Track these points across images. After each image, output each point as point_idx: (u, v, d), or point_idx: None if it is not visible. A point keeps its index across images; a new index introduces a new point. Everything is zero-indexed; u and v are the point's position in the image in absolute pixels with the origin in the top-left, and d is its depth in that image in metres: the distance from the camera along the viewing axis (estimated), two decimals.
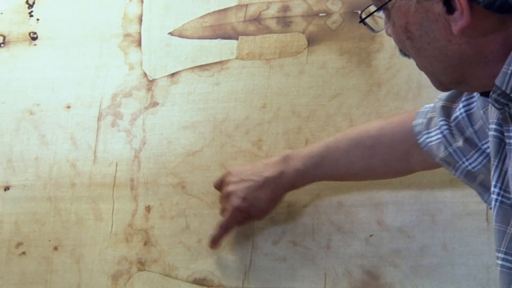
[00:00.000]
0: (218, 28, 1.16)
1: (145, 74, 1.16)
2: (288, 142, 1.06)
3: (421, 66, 0.70)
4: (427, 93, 1.01)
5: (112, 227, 1.10)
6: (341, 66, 1.08)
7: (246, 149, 1.08)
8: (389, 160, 0.90)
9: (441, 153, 0.84)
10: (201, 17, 1.17)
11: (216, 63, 1.14)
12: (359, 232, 1.00)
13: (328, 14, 1.10)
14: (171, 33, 1.18)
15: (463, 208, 0.97)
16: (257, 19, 1.13)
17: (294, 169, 0.93)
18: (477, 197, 0.91)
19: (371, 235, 1.00)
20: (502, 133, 0.69)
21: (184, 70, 1.14)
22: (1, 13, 1.25)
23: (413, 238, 0.98)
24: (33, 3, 1.24)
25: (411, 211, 0.99)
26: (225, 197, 0.97)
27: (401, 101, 1.03)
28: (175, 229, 1.07)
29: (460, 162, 0.83)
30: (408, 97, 1.04)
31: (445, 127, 0.83)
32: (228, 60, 1.13)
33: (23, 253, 1.12)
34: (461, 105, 0.81)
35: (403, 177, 0.98)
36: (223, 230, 0.99)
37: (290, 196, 1.01)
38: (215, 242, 1.00)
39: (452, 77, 0.67)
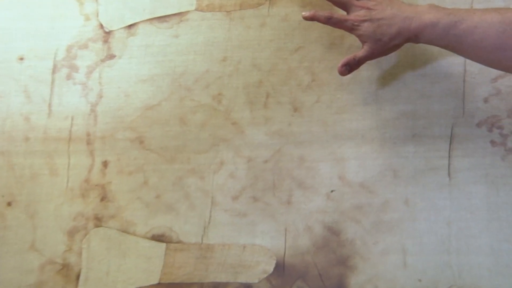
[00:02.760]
0: None
1: (101, 26, 1.11)
2: (248, 96, 1.04)
3: None
4: None
5: (68, 182, 1.06)
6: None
7: (205, 103, 1.05)
8: None
9: None
10: None
11: (175, 14, 1.09)
12: (320, 188, 0.98)
13: None
14: None
15: (426, 163, 0.96)
16: None
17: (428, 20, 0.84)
18: (439, 152, 0.93)
19: (332, 191, 0.98)
20: None
21: (142, 21, 1.10)
22: None
23: (375, 194, 0.97)
24: None
25: (373, 166, 0.98)
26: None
27: None
28: (133, 184, 1.04)
29: None
30: None
31: None
32: (187, 12, 1.09)
33: None
34: None
35: (365, 132, 0.98)
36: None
37: (250, 151, 1.00)
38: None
39: None
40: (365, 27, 0.87)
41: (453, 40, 0.81)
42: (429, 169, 0.95)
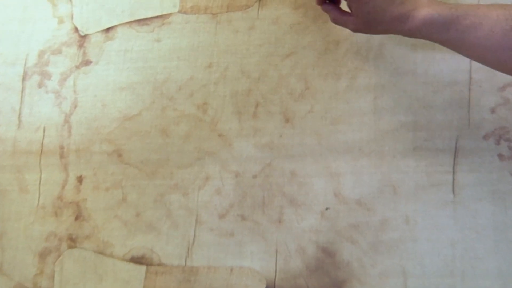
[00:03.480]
0: None
1: (76, 29, 1.07)
2: (236, 105, 1.00)
3: None
4: (390, 52, 0.97)
5: (39, 199, 1.02)
6: (296, 21, 1.02)
7: (189, 113, 1.01)
8: None
9: None
10: None
11: (156, 17, 1.06)
12: (314, 205, 0.95)
13: None
14: None
15: (428, 178, 0.93)
16: None
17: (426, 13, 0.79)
18: (443, 166, 0.90)
19: (327, 208, 0.95)
20: None
21: (120, 24, 1.07)
22: None
23: (373, 211, 0.93)
24: None
25: (370, 181, 0.94)
26: None
27: (361, 60, 0.98)
28: (110, 201, 1.00)
29: None
30: (369, 56, 0.98)
31: None
32: (170, 14, 1.05)
33: None
34: None
35: (362, 144, 0.94)
36: None
37: (238, 166, 0.97)
38: None
39: None
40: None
41: (454, 36, 0.77)
42: (432, 185, 0.92)
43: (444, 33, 0.77)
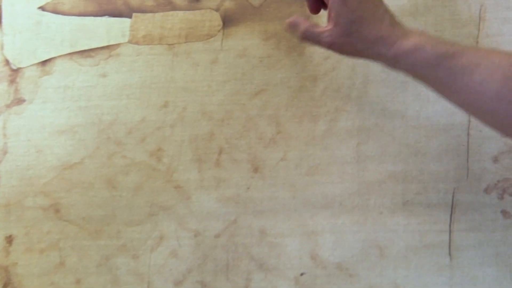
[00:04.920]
0: (105, 2, 1.03)
1: (7, 62, 1.02)
2: (196, 152, 0.95)
3: None
4: (376, 90, 0.94)
5: None
6: (266, 54, 0.97)
7: (141, 161, 0.96)
8: None
9: None
10: None
11: (102, 48, 1.01)
12: (287, 270, 0.91)
13: None
14: (42, 8, 1.04)
15: (420, 238, 0.89)
16: None
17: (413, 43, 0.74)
18: (437, 225, 0.88)
19: (302, 274, 0.91)
20: None
21: (59, 56, 1.01)
22: None
23: (356, 278, 0.90)
24: None
25: (353, 242, 0.91)
26: None
27: (342, 100, 0.94)
28: (45, 266, 0.95)
29: None
30: (352, 95, 0.95)
31: None
32: (118, 45, 1.01)
33: None
34: None
35: (343, 198, 0.91)
36: None
37: (198, 223, 0.93)
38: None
39: None
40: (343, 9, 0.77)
41: (445, 74, 0.71)
42: (425, 247, 0.89)
43: (433, 69, 0.72)
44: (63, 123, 0.99)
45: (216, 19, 1.00)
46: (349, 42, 0.77)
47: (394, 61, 0.74)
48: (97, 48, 1.01)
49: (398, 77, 0.91)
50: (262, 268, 0.91)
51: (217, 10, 1.01)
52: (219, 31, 1.00)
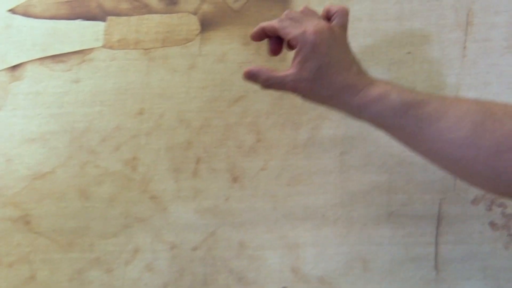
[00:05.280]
0: (78, 5, 1.04)
1: None
2: (173, 161, 0.94)
3: None
4: None
5: None
6: (246, 59, 0.97)
7: (115, 171, 0.95)
8: None
9: None
10: None
11: (75, 52, 1.01)
12: (268, 284, 0.89)
13: None
14: (12, 10, 1.05)
15: (406, 251, 0.88)
16: None
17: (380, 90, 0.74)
18: (423, 237, 0.87)
19: None
20: None
21: (30, 61, 1.01)
22: None
23: None
24: None
25: (336, 255, 0.89)
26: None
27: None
28: (14, 280, 0.93)
29: None
30: None
31: None
32: (92, 49, 1.01)
33: None
34: None
35: (326, 209, 0.90)
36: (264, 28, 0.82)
37: (175, 235, 0.91)
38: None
39: None
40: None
41: (410, 123, 0.71)
42: (411, 260, 0.87)
43: (399, 118, 0.71)
44: (34, 131, 0.98)
45: (194, 23, 1.01)
46: (313, 88, 0.77)
47: (359, 110, 0.74)
48: (69, 53, 1.01)
49: None
50: (241, 282, 0.90)
51: (195, 13, 1.01)
52: (197, 35, 1.00)
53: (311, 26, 0.76)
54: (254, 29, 0.82)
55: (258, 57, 0.97)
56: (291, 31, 0.78)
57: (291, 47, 0.80)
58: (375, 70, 0.91)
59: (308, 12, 0.80)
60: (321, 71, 0.75)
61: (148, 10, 1.02)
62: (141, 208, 0.93)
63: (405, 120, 0.71)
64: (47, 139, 0.98)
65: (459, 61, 0.91)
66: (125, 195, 0.94)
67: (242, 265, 0.90)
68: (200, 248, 0.91)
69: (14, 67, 1.01)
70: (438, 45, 0.92)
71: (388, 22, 0.95)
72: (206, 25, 1.00)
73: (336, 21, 0.79)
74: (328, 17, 0.80)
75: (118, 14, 1.02)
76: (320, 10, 0.83)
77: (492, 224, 0.86)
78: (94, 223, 0.94)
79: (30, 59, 1.01)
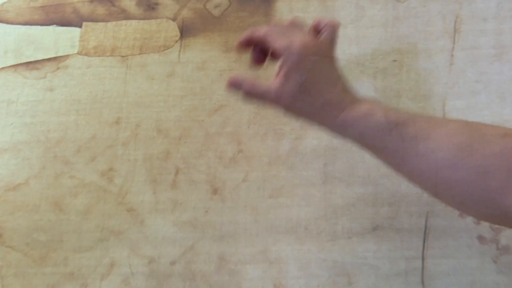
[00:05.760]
0: (53, 10, 1.02)
1: None
2: (151, 172, 0.93)
3: None
4: None
5: None
6: (227, 67, 0.96)
7: (91, 182, 0.93)
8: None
9: None
10: None
11: (49, 59, 0.99)
12: None
13: None
14: None
15: (391, 266, 0.87)
16: None
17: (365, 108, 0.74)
18: (410, 251, 0.86)
19: None
20: None
21: (3, 68, 1.00)
22: None
23: None
24: None
25: (319, 270, 0.87)
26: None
27: None
28: None
29: None
30: None
31: None
32: (67, 56, 0.99)
33: None
34: None
35: (309, 222, 0.89)
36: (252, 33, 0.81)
37: (153, 249, 0.90)
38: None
39: None
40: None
41: (395, 143, 0.70)
42: (396, 275, 0.86)
43: (383, 137, 0.71)
44: (6, 141, 0.97)
45: (173, 29, 1.00)
46: (296, 103, 0.76)
47: (343, 128, 0.73)
48: (43, 60, 1.00)
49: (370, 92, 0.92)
50: None
51: (174, 19, 1.00)
52: (176, 42, 0.99)
53: (297, 40, 0.75)
54: (241, 37, 0.81)
55: (239, 64, 0.96)
56: (278, 39, 0.77)
57: (275, 57, 0.79)
58: (361, 78, 0.92)
59: (296, 24, 0.79)
60: (305, 86, 0.74)
61: (125, 15, 1.01)
62: (118, 220, 0.92)
63: (389, 139, 0.70)
64: (20, 149, 0.96)
65: (447, 69, 0.91)
66: (101, 207, 0.93)
67: (222, 280, 0.88)
68: (178, 262, 0.89)
69: None
70: (425, 53, 0.91)
71: (373, 29, 0.94)
72: (186, 31, 0.99)
73: (324, 36, 0.78)
74: (317, 30, 0.80)
75: (94, 19, 1.01)
76: (303, 16, 0.82)
77: (481, 238, 0.85)
78: (68, 236, 0.92)
79: (2, 66, 1.00)
